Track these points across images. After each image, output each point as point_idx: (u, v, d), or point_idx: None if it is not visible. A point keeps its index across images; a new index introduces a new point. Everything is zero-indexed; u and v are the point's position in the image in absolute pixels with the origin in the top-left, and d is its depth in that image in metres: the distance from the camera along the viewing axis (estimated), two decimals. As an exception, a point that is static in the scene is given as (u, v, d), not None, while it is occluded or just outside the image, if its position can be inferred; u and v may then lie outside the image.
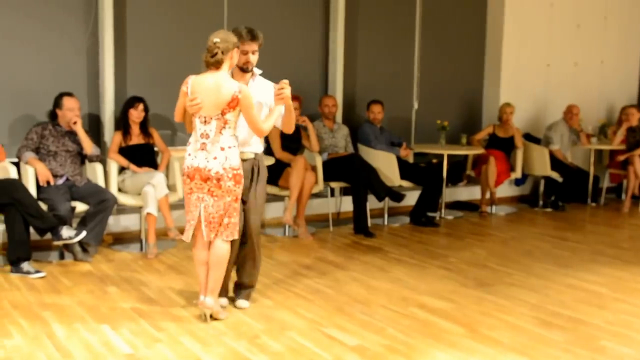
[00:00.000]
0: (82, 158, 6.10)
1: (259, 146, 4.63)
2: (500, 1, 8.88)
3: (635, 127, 9.00)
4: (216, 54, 4.19)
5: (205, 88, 4.23)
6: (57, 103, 5.97)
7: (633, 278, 5.67)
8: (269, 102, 4.51)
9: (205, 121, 4.25)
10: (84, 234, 5.55)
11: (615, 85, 10.07)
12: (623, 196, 9.22)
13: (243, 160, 4.41)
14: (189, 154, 4.33)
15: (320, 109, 7.46)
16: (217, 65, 4.22)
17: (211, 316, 4.38)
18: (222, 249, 4.37)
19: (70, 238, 5.48)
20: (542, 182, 8.87)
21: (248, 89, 4.28)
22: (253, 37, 4.47)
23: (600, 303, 5.00)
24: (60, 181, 5.85)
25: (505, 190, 8.96)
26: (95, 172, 6.15)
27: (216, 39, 4.19)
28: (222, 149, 4.23)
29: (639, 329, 4.48)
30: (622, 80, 10.16)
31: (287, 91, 4.35)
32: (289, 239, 6.85)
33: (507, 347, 4.11)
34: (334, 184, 7.26)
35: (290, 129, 4.65)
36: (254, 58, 4.51)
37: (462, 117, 9.00)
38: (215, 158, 4.22)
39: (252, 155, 4.55)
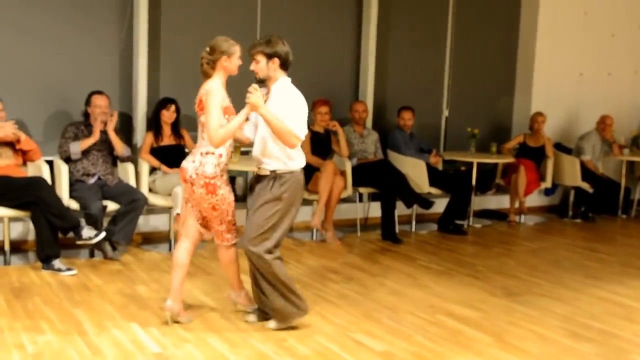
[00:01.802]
0: (113, 158, 6.18)
1: (284, 163, 4.26)
2: (534, 9, 8.84)
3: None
4: (202, 64, 4.33)
5: None
6: (88, 101, 6.05)
7: (664, 292, 5.61)
8: (280, 113, 4.16)
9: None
10: (102, 234, 5.58)
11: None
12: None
13: (259, 176, 4.32)
14: None
15: (350, 115, 7.47)
16: (205, 75, 4.32)
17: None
18: (224, 255, 4.51)
19: (90, 238, 5.50)
20: (572, 192, 8.79)
21: (216, 89, 4.19)
22: (249, 48, 4.40)
23: (630, 316, 4.95)
24: (92, 180, 5.93)
25: (535, 199, 8.90)
26: (126, 172, 6.22)
27: (204, 51, 4.33)
28: (201, 154, 4.22)
29: (670, 344, 4.44)
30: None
31: (253, 97, 4.06)
32: (316, 243, 6.86)
33: (536, 357, 4.08)
34: (362, 190, 7.27)
35: (283, 141, 4.15)
36: (256, 66, 4.35)
37: (493, 125, 8.96)
38: (193, 161, 4.23)
39: (267, 172, 4.26)
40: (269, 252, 4.24)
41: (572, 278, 5.89)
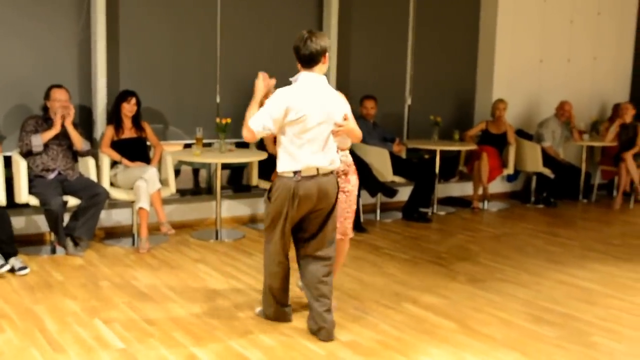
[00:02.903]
0: (74, 152, 6.08)
1: (278, 165, 4.07)
2: (493, -3, 8.93)
3: (628, 124, 9.05)
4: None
5: None
6: (47, 95, 5.95)
7: (623, 274, 5.71)
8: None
9: None
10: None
11: (607, 82, 10.11)
12: (614, 193, 9.26)
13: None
14: None
15: (313, 104, 7.45)
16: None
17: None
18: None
19: None
20: (534, 178, 8.90)
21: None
22: None
23: (591, 299, 5.04)
24: (52, 175, 5.84)
25: (498, 186, 8.99)
26: (87, 167, 6.14)
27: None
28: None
29: (629, 325, 4.52)
30: (615, 77, 10.20)
31: (258, 82, 4.30)
32: (281, 234, 6.85)
33: (499, 342, 4.13)
34: (326, 179, 7.26)
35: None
36: None
37: (455, 113, 9.03)
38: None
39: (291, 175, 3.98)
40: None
41: (534, 263, 5.97)
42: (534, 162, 8.60)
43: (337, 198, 4.12)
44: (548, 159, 8.68)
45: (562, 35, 9.51)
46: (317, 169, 3.95)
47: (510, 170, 8.60)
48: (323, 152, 3.96)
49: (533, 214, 8.41)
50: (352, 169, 4.46)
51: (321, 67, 4.01)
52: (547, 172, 8.67)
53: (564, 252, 6.43)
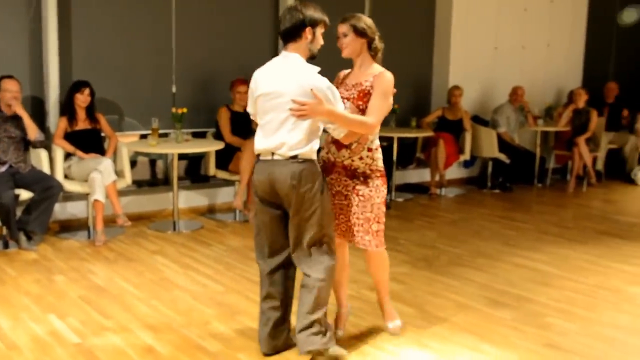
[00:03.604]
0: (25, 144, 5.96)
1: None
2: (448, -16, 8.96)
3: (580, 109, 9.18)
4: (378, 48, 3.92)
5: None
6: None
7: (577, 256, 5.80)
8: None
9: None
10: None
11: (561, 68, 10.25)
12: (568, 177, 9.40)
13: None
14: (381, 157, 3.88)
15: (269, 93, 7.40)
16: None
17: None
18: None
19: None
20: (490, 163, 8.99)
21: None
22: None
23: (545, 280, 5.11)
24: (3, 168, 5.71)
25: (455, 172, 9.06)
26: (40, 159, 6.03)
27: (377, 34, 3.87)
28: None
29: (582, 305, 4.60)
30: (568, 63, 10.34)
31: None
32: (239, 223, 6.81)
33: (457, 326, 4.17)
34: (284, 168, 7.23)
35: None
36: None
37: (412, 100, 9.05)
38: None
39: None
40: None
41: (490, 247, 6.03)
42: (490, 148, 8.68)
43: (312, 196, 3.49)
44: (503, 144, 8.77)
45: (516, 22, 9.60)
46: (272, 153, 3.54)
47: (466, 156, 8.67)
48: (275, 135, 3.50)
49: (489, 199, 8.50)
50: (377, 173, 3.79)
51: (299, 44, 3.58)
52: (502, 157, 8.76)
53: (520, 235, 6.51)
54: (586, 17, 10.43)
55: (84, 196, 6.24)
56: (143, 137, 7.02)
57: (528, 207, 8.06)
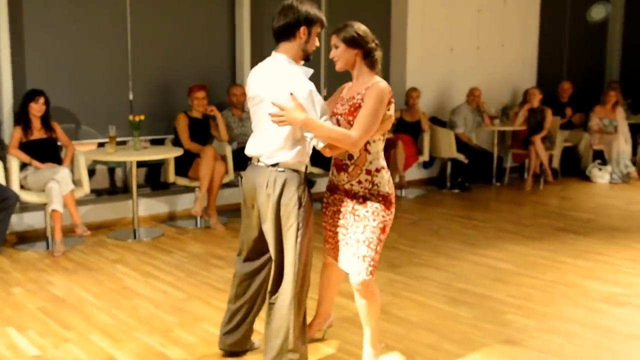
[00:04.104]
0: (-20, 155, 5.89)
1: None
2: (403, -13, 9.04)
3: (536, 108, 9.32)
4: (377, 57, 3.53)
5: None
6: None
7: (534, 252, 5.90)
8: None
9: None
10: None
11: (515, 68, 10.40)
12: (525, 175, 9.55)
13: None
14: (390, 180, 3.50)
15: (228, 99, 7.41)
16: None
17: None
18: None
19: None
20: (449, 164, 9.08)
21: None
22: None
23: (503, 278, 5.19)
24: (-42, 180, 5.63)
25: (414, 173, 9.13)
26: (-5, 170, 5.95)
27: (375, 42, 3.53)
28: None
29: (539, 301, 4.68)
30: (522, 63, 10.49)
31: None
32: (200, 229, 6.79)
33: (417, 325, 4.22)
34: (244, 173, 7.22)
35: None
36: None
37: (370, 102, 9.08)
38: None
39: None
40: None
41: (449, 246, 6.10)
42: (448, 149, 8.78)
43: (288, 210, 3.31)
44: (461, 144, 8.88)
45: (471, 24, 9.72)
46: (257, 158, 3.40)
47: (425, 157, 8.76)
48: (258, 140, 3.39)
49: (449, 198, 8.59)
50: (379, 198, 3.40)
51: (292, 44, 3.34)
52: (461, 157, 8.86)
53: (478, 234, 6.60)
54: (539, 18, 10.59)
55: (42, 206, 6.17)
56: (101, 145, 6.97)
57: (486, 206, 8.17)
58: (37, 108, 6.11)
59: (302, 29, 3.30)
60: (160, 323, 4.27)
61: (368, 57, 3.45)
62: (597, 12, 11.63)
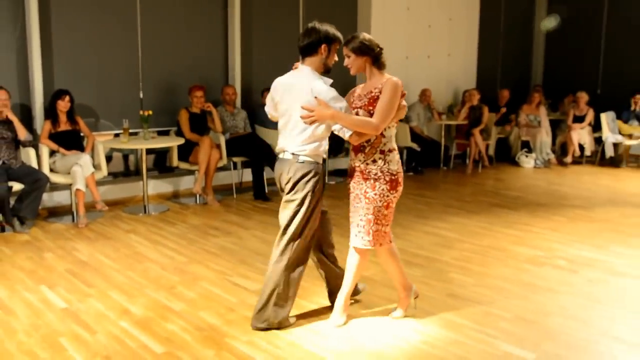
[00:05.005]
0: (16, 144, 5.81)
1: None
2: (367, 4, 9.01)
3: (475, 106, 9.39)
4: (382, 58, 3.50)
5: None
6: None
7: (473, 223, 5.97)
8: None
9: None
10: None
11: (459, 73, 10.45)
12: (467, 161, 9.62)
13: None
14: (399, 160, 3.53)
15: (221, 97, 7.38)
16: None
17: None
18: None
19: None
20: (405, 151, 9.12)
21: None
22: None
23: (448, 244, 5.25)
24: (-3, 165, 5.57)
25: (376, 159, 9.13)
26: (29, 156, 5.88)
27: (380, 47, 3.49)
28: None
29: (477, 263, 4.75)
30: (465, 69, 10.55)
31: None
32: (199, 206, 6.78)
33: (379, 283, 4.27)
34: (236, 159, 7.23)
35: None
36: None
37: (340, 100, 9.09)
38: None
39: None
40: None
41: (405, 218, 6.15)
42: (404, 139, 8.82)
43: (302, 195, 3.41)
44: (415, 135, 8.92)
45: (423, 36, 9.74)
46: (283, 152, 3.46)
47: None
48: (283, 136, 3.46)
49: (405, 180, 8.48)
50: (387, 177, 3.43)
51: (315, 59, 3.41)
52: (414, 146, 8.90)
53: (429, 209, 6.65)
54: (478, 33, 10.65)
55: (68, 186, 6.12)
56: (116, 135, 6.92)
57: (435, 186, 8.22)
58: (63, 105, 6.04)
59: (323, 46, 3.38)
60: (166, 282, 4.28)
61: (376, 62, 3.48)
62: (549, 22, 11.68)
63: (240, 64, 7.73)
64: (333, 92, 3.32)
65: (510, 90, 10.45)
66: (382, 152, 3.42)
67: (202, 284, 4.24)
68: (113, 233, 5.59)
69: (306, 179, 3.40)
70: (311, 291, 4.11)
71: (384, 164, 3.42)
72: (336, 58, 3.47)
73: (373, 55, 3.46)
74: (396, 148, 3.49)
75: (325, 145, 3.47)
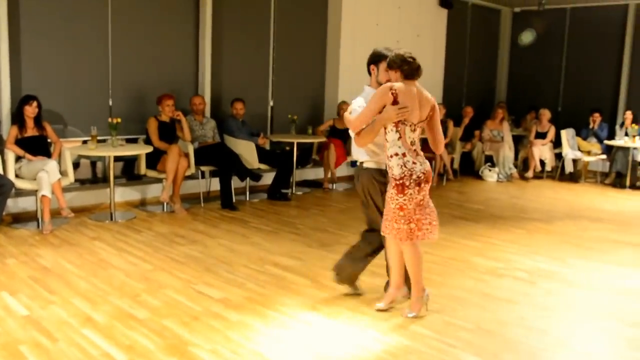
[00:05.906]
0: (-20, 149, 5.70)
1: None
2: (337, 19, 9.07)
3: (442, 120, 9.47)
4: (419, 65, 3.75)
5: (412, 97, 3.67)
6: None
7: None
8: None
9: (414, 129, 3.67)
10: None
11: (426, 88, 10.45)
12: (432, 174, 9.68)
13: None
14: (414, 162, 3.64)
15: (190, 107, 7.34)
16: (420, 75, 3.75)
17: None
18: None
19: None
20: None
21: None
22: None
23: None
24: (-40, 169, 5.43)
25: (343, 170, 9.19)
26: (-7, 161, 5.77)
27: (409, 52, 3.74)
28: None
29: (438, 273, 4.78)
30: (432, 84, 10.64)
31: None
32: (167, 214, 6.72)
33: (341, 293, 4.28)
34: (204, 168, 7.19)
35: None
36: None
37: (309, 112, 9.14)
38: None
39: None
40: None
41: (370, 230, 6.17)
42: (371, 151, 8.85)
43: (368, 193, 3.89)
44: (381, 148, 8.96)
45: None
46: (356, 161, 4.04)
47: (352, 157, 8.79)
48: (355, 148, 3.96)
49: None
50: (392, 182, 3.66)
51: (371, 79, 3.99)
52: (381, 158, 8.94)
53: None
54: (444, 50, 10.80)
55: (33, 192, 6.01)
56: (84, 142, 6.82)
57: (400, 198, 8.25)
58: (30, 110, 5.94)
59: (372, 66, 3.97)
60: (130, 289, 4.22)
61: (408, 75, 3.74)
62: (526, 37, 11.87)
63: (210, 74, 7.70)
64: (358, 102, 3.82)
65: (475, 106, 10.61)
66: (389, 157, 3.68)
67: (167, 292, 4.19)
68: (78, 240, 5.50)
69: (364, 184, 3.94)
70: (274, 300, 4.10)
71: (390, 169, 3.68)
72: (387, 75, 3.79)
73: (403, 68, 3.78)
74: (399, 153, 3.64)
75: (383, 156, 3.78)
